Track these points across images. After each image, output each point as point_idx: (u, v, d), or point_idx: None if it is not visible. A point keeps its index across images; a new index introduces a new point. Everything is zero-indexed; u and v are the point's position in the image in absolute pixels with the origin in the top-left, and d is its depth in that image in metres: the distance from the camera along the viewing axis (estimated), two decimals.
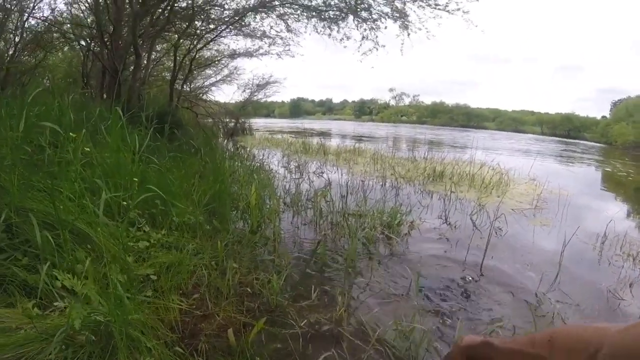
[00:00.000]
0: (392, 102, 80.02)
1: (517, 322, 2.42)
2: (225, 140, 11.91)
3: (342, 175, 6.58)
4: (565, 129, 46.72)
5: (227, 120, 15.12)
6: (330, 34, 8.67)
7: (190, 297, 2.18)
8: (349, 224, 3.86)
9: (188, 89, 13.90)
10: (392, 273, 2.99)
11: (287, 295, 2.43)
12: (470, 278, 3.02)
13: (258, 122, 22.86)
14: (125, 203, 2.61)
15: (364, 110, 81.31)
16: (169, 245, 2.56)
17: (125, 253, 2.12)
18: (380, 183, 6.49)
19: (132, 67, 7.36)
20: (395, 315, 2.30)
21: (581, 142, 37.66)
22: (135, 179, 2.76)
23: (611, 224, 4.47)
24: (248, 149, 9.77)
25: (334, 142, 13.30)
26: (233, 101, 16.65)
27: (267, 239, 3.36)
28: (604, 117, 45.55)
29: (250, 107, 17.33)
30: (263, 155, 8.77)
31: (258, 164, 6.90)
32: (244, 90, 16.05)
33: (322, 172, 7.15)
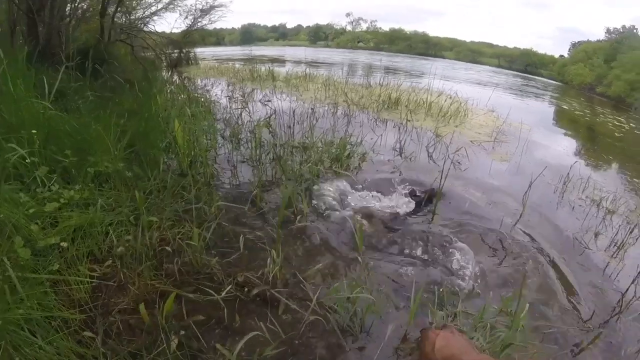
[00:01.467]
0: (349, 28, 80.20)
1: (484, 264, 2.51)
2: (169, 73, 11.09)
3: (290, 103, 6.37)
4: (523, 64, 49.74)
5: (170, 51, 14.51)
6: None
7: (104, 264, 1.93)
8: (290, 161, 3.67)
9: (125, 21, 12.94)
10: (336, 217, 2.86)
11: (214, 251, 2.21)
12: (424, 220, 3.02)
13: (206, 51, 21.81)
14: (28, 161, 2.20)
15: (319, 35, 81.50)
16: (85, 203, 2.21)
17: (28, 220, 1.80)
18: (332, 111, 6.33)
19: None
20: (339, 272, 2.21)
21: (537, 78, 40.14)
22: (34, 130, 2.32)
23: (573, 164, 4.67)
24: (190, 80, 9.26)
25: (285, 69, 12.81)
26: (178, 30, 15.92)
27: (197, 182, 2.99)
28: (561, 56, 48.56)
29: (197, 35, 16.79)
30: (205, 85, 8.32)
31: (197, 95, 6.48)
32: (186, 17, 15.29)
33: (269, 100, 6.82)
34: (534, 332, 2.10)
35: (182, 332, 1.66)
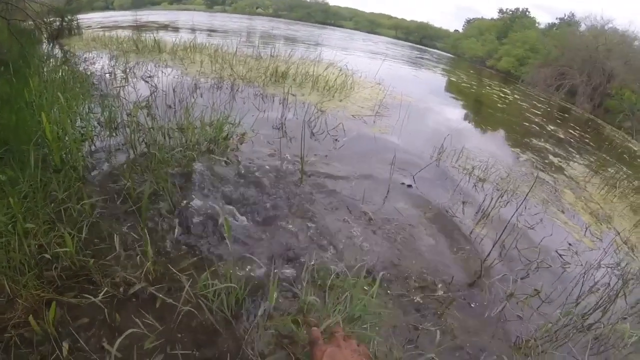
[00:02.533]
0: None
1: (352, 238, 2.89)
2: (50, 46, 10.03)
3: (174, 78, 6.28)
4: (419, 37, 53.63)
5: (51, 19, 13.04)
6: None
7: None
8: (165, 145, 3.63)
9: None
10: (207, 207, 2.91)
11: (91, 252, 2.24)
12: (294, 197, 3.25)
13: (93, 18, 20.10)
14: None
15: (216, 0, 79.79)
16: None
17: None
18: (217, 85, 6.36)
19: None
20: (211, 261, 2.37)
21: (432, 50, 43.85)
22: None
23: (449, 135, 5.37)
24: (71, 54, 8.44)
25: (175, 38, 12.36)
26: None
27: (70, 178, 2.89)
28: (456, 30, 53.94)
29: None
30: (86, 59, 7.69)
31: (75, 74, 5.90)
32: None
33: (151, 76, 6.58)
34: (396, 300, 2.50)
35: (70, 338, 1.76)
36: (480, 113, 10.08)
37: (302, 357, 1.94)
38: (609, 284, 3.69)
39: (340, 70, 9.10)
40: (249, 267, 2.43)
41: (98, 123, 4.12)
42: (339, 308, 2.11)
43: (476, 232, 3.56)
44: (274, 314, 2.14)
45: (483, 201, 4.13)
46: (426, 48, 44.90)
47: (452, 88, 14.07)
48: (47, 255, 2.12)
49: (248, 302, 2.16)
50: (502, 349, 2.46)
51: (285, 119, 5.19)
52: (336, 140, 4.79)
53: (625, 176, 8.96)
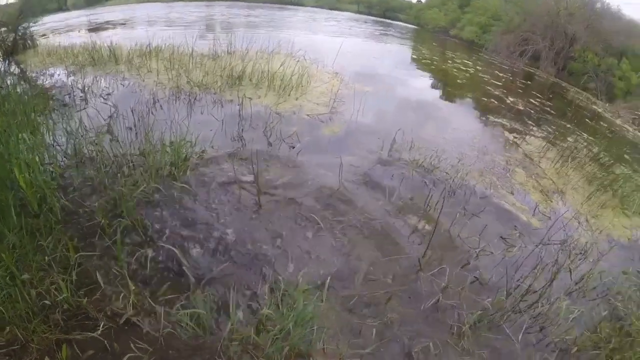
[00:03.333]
0: None
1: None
2: (6, 63, 9.66)
3: (132, 92, 6.37)
4: (382, 10, 53.34)
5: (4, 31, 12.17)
6: None
7: (4, 331, 2.26)
8: (126, 178, 3.75)
9: None
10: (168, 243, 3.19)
11: (83, 291, 2.60)
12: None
13: (47, 23, 18.93)
14: None
15: None
16: None
17: None
18: (175, 97, 6.45)
19: None
20: (183, 288, 2.81)
21: (395, 22, 43.88)
22: None
23: (400, 130, 5.69)
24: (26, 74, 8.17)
25: (131, 41, 12.10)
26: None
27: (51, 221, 3.13)
28: (419, 1, 54.13)
29: (36, 3, 14.66)
30: (44, 77, 7.56)
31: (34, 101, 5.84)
32: None
33: (109, 94, 6.54)
34: (345, 300, 2.95)
35: None
36: (438, 94, 10.42)
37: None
38: (556, 261, 4.08)
39: (298, 61, 9.29)
40: (212, 291, 2.83)
41: (65, 156, 4.21)
42: (292, 314, 2.52)
43: (421, 227, 3.97)
44: (239, 326, 2.56)
45: (429, 194, 4.48)
46: (390, 21, 44.89)
47: (411, 67, 14.33)
48: (47, 302, 2.48)
49: (215, 321, 2.61)
50: (438, 335, 2.88)
51: (242, 129, 5.43)
52: (292, 147, 5.08)
53: (585, 144, 9.43)
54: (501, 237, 4.22)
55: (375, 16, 49.65)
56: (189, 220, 3.44)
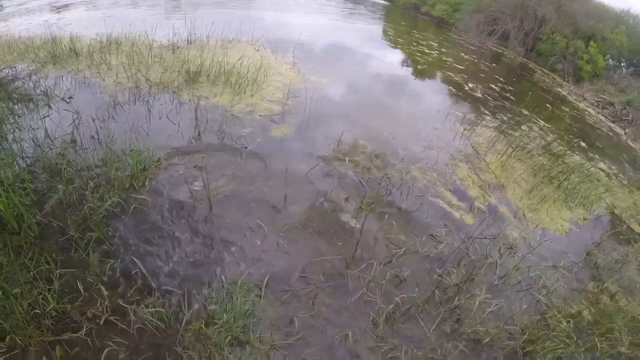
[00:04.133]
0: None
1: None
2: None
3: (93, 94, 6.53)
4: None
5: None
6: None
7: (5, 341, 2.84)
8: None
9: None
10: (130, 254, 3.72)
11: (67, 298, 3.20)
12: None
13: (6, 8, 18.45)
14: None
15: None
16: None
17: None
18: (134, 98, 6.62)
19: None
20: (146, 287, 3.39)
21: None
22: None
23: (348, 131, 6.15)
24: None
25: (92, 27, 11.59)
26: None
27: (30, 238, 3.67)
28: None
29: None
30: (7, 85, 7.22)
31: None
32: None
33: (71, 97, 6.57)
34: (282, 295, 3.57)
35: None
36: (394, 85, 10.60)
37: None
38: (485, 256, 4.58)
39: (258, 50, 9.56)
40: (171, 292, 3.44)
41: (34, 169, 4.53)
42: (235, 309, 3.20)
43: (353, 227, 4.55)
44: (193, 320, 3.20)
45: (364, 194, 5.07)
46: None
47: (373, 52, 14.20)
48: (38, 310, 3.03)
49: (174, 317, 3.20)
50: (358, 325, 3.51)
51: (198, 132, 5.78)
52: (245, 147, 5.51)
53: (540, 132, 9.90)
54: (430, 234, 4.67)
55: None
56: (149, 230, 3.96)
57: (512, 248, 5.04)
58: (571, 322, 4.14)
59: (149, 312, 3.10)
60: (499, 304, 4.02)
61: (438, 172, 6.14)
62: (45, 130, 5.23)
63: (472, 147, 7.44)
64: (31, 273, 3.27)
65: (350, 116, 7.30)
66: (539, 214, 6.09)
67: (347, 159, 5.74)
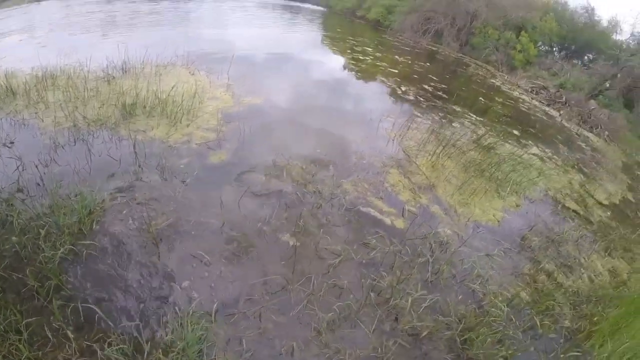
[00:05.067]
0: None
1: None
2: None
3: (34, 137, 6.56)
4: None
5: None
6: None
7: None
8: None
9: None
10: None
11: (37, 345, 3.43)
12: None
13: None
14: None
15: None
16: None
17: None
18: (74, 138, 6.65)
19: None
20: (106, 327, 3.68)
21: (305, 5, 44.66)
22: None
23: (282, 149, 6.58)
24: None
25: (28, 59, 11.25)
26: None
27: None
28: None
29: None
30: None
31: None
32: None
33: (12, 142, 6.51)
34: (230, 317, 3.98)
35: None
36: (327, 97, 11.08)
37: None
38: (418, 255, 5.03)
39: (192, 74, 9.82)
40: (129, 329, 3.73)
41: None
42: (189, 336, 3.52)
43: (292, 244, 4.96)
44: (152, 351, 3.49)
45: (301, 212, 5.51)
46: (299, 5, 45.39)
47: (309, 63, 14.48)
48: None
49: (135, 350, 3.50)
50: (302, 335, 3.93)
51: (139, 165, 5.97)
52: (183, 182, 5.74)
53: (472, 127, 10.53)
54: (362, 242, 5.12)
55: None
56: (102, 272, 4.22)
57: (444, 244, 5.52)
58: (508, 305, 4.69)
59: (112, 350, 3.36)
60: (434, 299, 4.53)
61: (369, 182, 6.59)
62: None
63: (404, 152, 7.96)
64: (1, 326, 3.46)
65: (283, 133, 7.74)
66: (470, 208, 6.64)
67: (282, 177, 6.18)
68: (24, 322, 3.49)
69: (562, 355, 4.39)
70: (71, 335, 3.46)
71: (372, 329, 4.10)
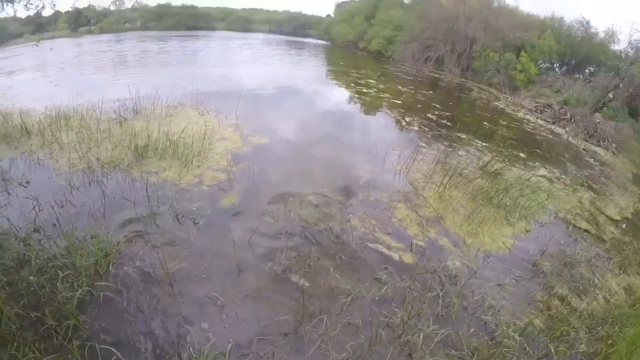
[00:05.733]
0: (113, 7, 75.59)
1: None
2: None
3: (49, 178, 6.85)
4: (292, 27, 55.54)
5: None
6: None
7: None
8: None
9: None
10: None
11: None
12: None
13: None
14: None
15: (80, 21, 74.09)
16: None
17: None
18: (88, 180, 6.87)
19: None
20: None
21: (308, 40, 45.84)
22: None
23: (289, 188, 6.87)
24: None
25: (41, 99, 11.69)
26: None
27: (10, 329, 3.96)
28: (328, 15, 57.08)
29: None
30: None
31: None
32: None
33: (28, 182, 6.76)
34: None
35: None
36: (332, 134, 11.15)
37: None
38: (428, 290, 5.05)
39: (202, 115, 10.09)
40: None
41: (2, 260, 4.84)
42: None
43: (302, 285, 5.03)
44: None
45: (310, 250, 5.61)
46: (303, 39, 46.49)
47: (313, 100, 15.01)
48: None
49: None
50: None
51: (151, 209, 6.14)
52: (196, 224, 5.90)
53: (478, 154, 10.53)
54: (374, 278, 5.18)
55: (286, 34, 51.35)
56: (119, 313, 4.35)
57: (454, 277, 5.52)
58: (522, 334, 4.63)
59: None
60: (446, 332, 4.52)
61: (376, 218, 6.63)
62: (8, 219, 5.51)
63: (410, 184, 8.03)
64: None
65: (291, 172, 7.91)
66: (479, 237, 6.58)
67: (290, 216, 6.31)
68: None
69: None
70: None
71: None
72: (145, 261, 5.08)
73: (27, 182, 6.79)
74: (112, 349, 3.81)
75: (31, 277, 4.53)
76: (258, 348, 4.11)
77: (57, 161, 7.61)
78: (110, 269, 4.87)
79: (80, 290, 4.35)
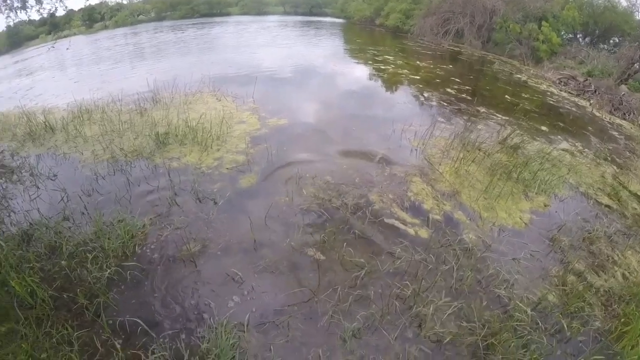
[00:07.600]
0: (125, 1, 75.54)
1: None
2: None
3: (75, 169, 7.33)
4: (308, 7, 54.89)
5: None
6: None
7: None
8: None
9: None
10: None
11: (87, 355, 3.93)
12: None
13: None
14: None
15: (94, 17, 74.54)
16: None
17: None
18: (113, 169, 7.30)
19: None
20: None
21: (325, 19, 45.33)
22: None
23: (307, 167, 6.98)
24: None
25: (62, 95, 12.81)
26: None
27: (45, 309, 4.35)
28: None
29: None
30: None
31: None
32: None
33: (55, 175, 7.18)
34: (262, 327, 4.36)
35: None
36: (350, 111, 11.15)
37: None
38: (442, 263, 5.18)
39: (219, 100, 10.28)
40: (171, 337, 4.19)
41: (35, 248, 5.28)
42: (223, 344, 3.95)
43: (318, 258, 5.30)
44: (191, 358, 3.95)
45: (326, 226, 5.86)
46: (319, 19, 46.02)
47: (330, 78, 15.08)
48: None
49: (177, 356, 3.95)
50: (329, 343, 4.25)
51: (174, 192, 6.48)
52: (215, 203, 6.24)
53: (498, 127, 10.42)
54: (388, 252, 5.32)
55: (302, 15, 50.91)
56: (146, 289, 4.73)
57: (469, 250, 5.60)
58: (535, 309, 4.72)
59: (156, 357, 3.83)
60: (459, 305, 4.66)
61: (393, 193, 6.73)
62: (38, 210, 5.95)
63: (427, 160, 8.08)
64: (54, 339, 3.96)
65: (308, 149, 8.11)
66: (495, 212, 6.60)
67: (307, 194, 6.52)
68: (75, 335, 3.97)
69: (590, 358, 4.28)
70: (118, 346, 3.91)
71: (395, 335, 4.30)
72: (168, 241, 5.43)
73: (55, 176, 7.22)
74: (139, 321, 4.18)
75: (63, 262, 4.95)
76: (274, 318, 4.41)
77: (82, 154, 8.03)
78: (137, 250, 5.24)
79: (109, 271, 4.73)
